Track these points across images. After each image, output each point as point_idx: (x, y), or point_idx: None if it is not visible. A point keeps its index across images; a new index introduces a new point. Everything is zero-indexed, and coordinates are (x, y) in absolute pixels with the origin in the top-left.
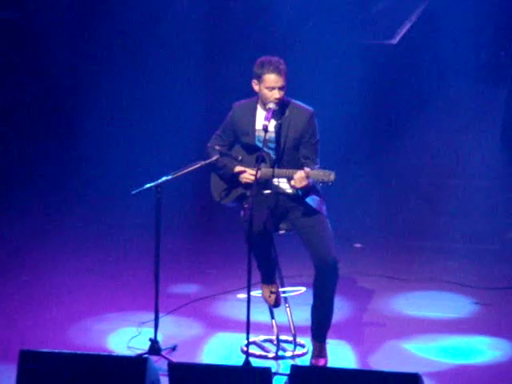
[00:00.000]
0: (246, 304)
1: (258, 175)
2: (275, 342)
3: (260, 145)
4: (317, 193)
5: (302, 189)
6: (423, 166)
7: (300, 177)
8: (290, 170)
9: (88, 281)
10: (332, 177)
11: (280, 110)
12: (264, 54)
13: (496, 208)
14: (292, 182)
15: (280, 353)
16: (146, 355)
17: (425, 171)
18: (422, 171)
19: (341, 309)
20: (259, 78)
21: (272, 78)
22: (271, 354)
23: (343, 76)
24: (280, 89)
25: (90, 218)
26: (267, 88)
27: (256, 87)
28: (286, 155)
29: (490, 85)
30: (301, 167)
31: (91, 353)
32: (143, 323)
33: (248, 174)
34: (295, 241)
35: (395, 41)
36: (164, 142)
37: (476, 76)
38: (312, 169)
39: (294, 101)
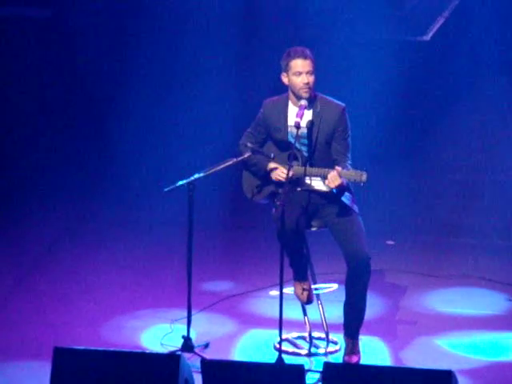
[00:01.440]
0: (278, 301)
1: (290, 173)
2: (308, 339)
3: (293, 141)
4: (348, 190)
5: (336, 188)
6: (456, 162)
7: (333, 176)
8: (323, 169)
9: (121, 278)
10: (364, 177)
11: (311, 106)
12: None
13: None
14: (326, 182)
15: (313, 350)
16: (178, 352)
17: (457, 168)
18: (454, 168)
19: (373, 305)
20: (286, 67)
21: (299, 63)
22: (304, 351)
23: (376, 73)
24: (308, 73)
25: (123, 215)
26: (295, 74)
27: (285, 80)
28: (318, 151)
29: None
30: (333, 163)
31: (124, 350)
32: (176, 320)
33: (280, 172)
34: (327, 238)
35: (428, 37)
36: (196, 140)
37: (510, 72)
38: (344, 167)
39: (324, 96)
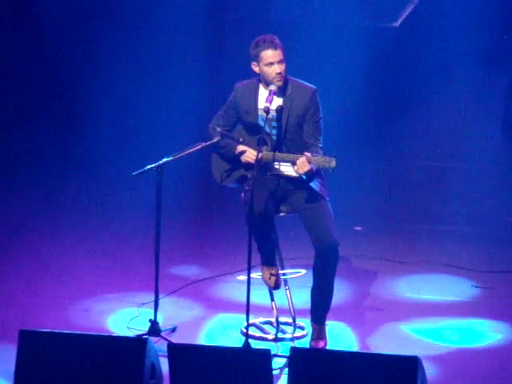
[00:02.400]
0: (245, 286)
1: (260, 155)
2: (275, 324)
3: (263, 124)
4: (318, 176)
5: (305, 174)
6: (424, 149)
7: (302, 162)
8: (291, 155)
9: (88, 261)
10: (333, 163)
11: (282, 89)
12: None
13: (496, 192)
14: (295, 168)
15: (279, 335)
16: (145, 336)
17: (425, 155)
18: (422, 155)
19: (340, 291)
20: (257, 57)
21: (269, 54)
22: (271, 336)
23: (344, 59)
24: (279, 63)
25: (91, 198)
26: (266, 65)
27: (256, 69)
28: (289, 134)
29: (493, 69)
30: (304, 146)
31: (91, 333)
32: (143, 304)
33: (249, 154)
34: (296, 223)
35: (397, 23)
36: (165, 124)
37: (478, 60)
38: (314, 151)
39: (295, 79)
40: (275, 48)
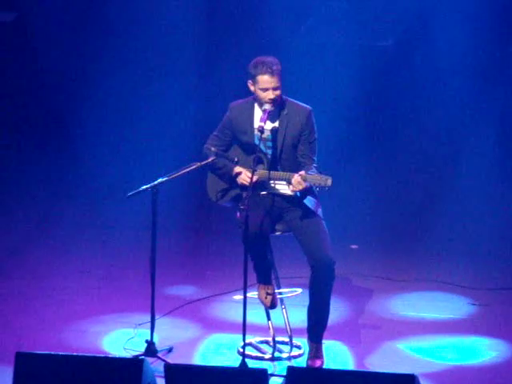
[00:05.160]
0: (242, 305)
1: (254, 178)
2: (271, 344)
3: (258, 143)
4: (313, 194)
5: (301, 191)
6: (420, 165)
7: (297, 180)
8: (287, 173)
9: (84, 282)
10: (329, 182)
11: (278, 109)
12: (260, 55)
13: (493, 208)
14: (290, 187)
15: (276, 354)
16: (142, 357)
17: (421, 172)
18: (417, 172)
19: (337, 310)
20: (253, 78)
21: (265, 79)
22: (267, 356)
23: (338, 76)
24: (274, 89)
25: (86, 220)
26: (261, 89)
27: (251, 87)
28: (285, 154)
29: (488, 83)
30: (299, 166)
31: (87, 354)
32: (139, 325)
33: (245, 176)
34: (291, 242)
35: (389, 42)
36: (160, 144)
37: (474, 73)
38: (309, 170)
39: (291, 100)
40: (272, 75)
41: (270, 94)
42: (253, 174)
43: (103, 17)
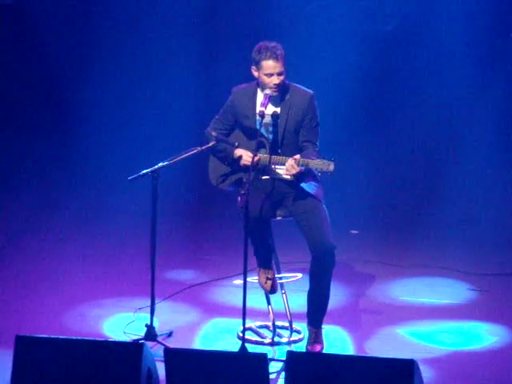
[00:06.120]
0: (242, 290)
1: (256, 158)
2: (271, 328)
3: (259, 128)
4: (314, 179)
5: (295, 176)
6: (420, 152)
7: (290, 164)
8: (287, 158)
9: (84, 267)
10: (331, 167)
11: (280, 94)
12: (262, 40)
13: (492, 194)
14: (284, 171)
15: (276, 339)
16: (141, 341)
17: (421, 158)
18: (418, 157)
19: (337, 295)
20: (257, 64)
21: (270, 64)
22: (267, 340)
23: (340, 61)
24: (279, 74)
25: (86, 204)
26: (266, 74)
27: (255, 73)
28: (286, 139)
29: (489, 68)
30: (301, 151)
31: (87, 338)
32: (139, 309)
33: (246, 156)
34: (292, 227)
35: (392, 26)
36: (162, 128)
37: (475, 59)
38: (310, 154)
39: (294, 84)
40: (277, 60)
41: (275, 79)
42: (253, 158)
43: (105, 3)
